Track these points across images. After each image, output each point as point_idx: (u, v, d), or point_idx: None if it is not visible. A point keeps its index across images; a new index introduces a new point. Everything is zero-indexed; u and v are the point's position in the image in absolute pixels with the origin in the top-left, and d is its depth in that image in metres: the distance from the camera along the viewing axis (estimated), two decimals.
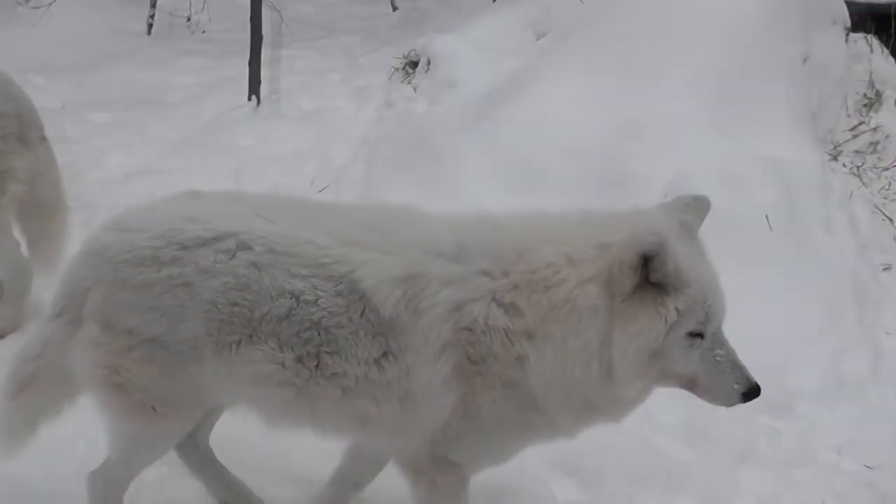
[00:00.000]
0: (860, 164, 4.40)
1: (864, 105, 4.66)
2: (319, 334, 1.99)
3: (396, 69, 5.25)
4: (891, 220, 4.09)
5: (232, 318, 2.01)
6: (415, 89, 5.00)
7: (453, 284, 1.95)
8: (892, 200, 4.24)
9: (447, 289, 1.95)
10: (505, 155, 3.82)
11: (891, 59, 4.81)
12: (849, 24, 4.72)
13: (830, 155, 4.35)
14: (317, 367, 2.01)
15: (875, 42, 4.83)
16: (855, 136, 4.52)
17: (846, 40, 4.67)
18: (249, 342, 2.02)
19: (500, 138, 3.92)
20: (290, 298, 1.99)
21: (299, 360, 2.01)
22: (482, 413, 2.01)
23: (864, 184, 4.28)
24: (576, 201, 3.24)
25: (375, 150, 4.59)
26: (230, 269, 2.01)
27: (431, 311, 1.95)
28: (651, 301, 1.87)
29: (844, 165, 4.37)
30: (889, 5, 4.97)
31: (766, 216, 3.47)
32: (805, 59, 4.31)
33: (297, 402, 2.06)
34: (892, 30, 4.84)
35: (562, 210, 2.08)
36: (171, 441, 2.28)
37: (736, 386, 1.95)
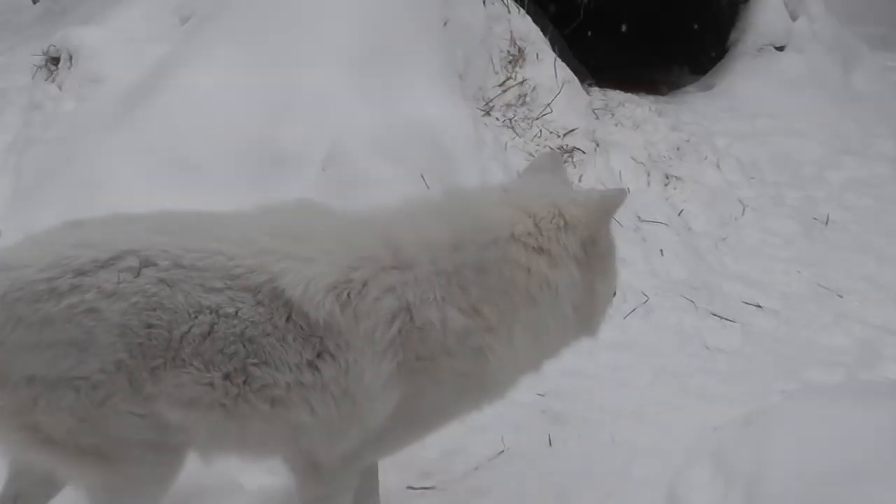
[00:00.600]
0: (511, 116, 4.81)
1: (509, 62, 5.06)
2: (245, 346, 1.90)
3: (39, 67, 4.98)
4: None
5: (150, 340, 1.87)
6: (60, 87, 4.78)
7: (396, 290, 1.95)
8: (544, 147, 4.65)
9: (390, 295, 1.95)
10: (157, 150, 3.80)
11: (527, 17, 5.27)
12: None
13: (483, 111, 4.72)
14: (245, 381, 1.92)
15: (511, 2, 5.26)
16: (504, 91, 4.92)
17: (484, 3, 5.02)
18: (173, 365, 1.89)
19: (150, 132, 3.88)
20: (210, 314, 1.89)
21: (227, 377, 1.91)
22: (422, 407, 2.02)
23: (517, 134, 4.70)
24: (235, 188, 3.31)
25: (24, 158, 4.36)
26: (138, 289, 1.87)
27: (374, 316, 1.94)
28: (610, 244, 2.13)
29: (497, 119, 4.75)
30: None
31: (422, 176, 3.70)
32: (446, 23, 4.60)
33: (227, 425, 1.96)
34: None
35: (453, 196, 2.20)
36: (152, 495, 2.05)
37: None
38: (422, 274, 1.97)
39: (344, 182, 3.63)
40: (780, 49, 6.32)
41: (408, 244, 2.00)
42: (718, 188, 4.93)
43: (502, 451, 2.86)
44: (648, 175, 4.74)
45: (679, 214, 4.56)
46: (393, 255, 1.98)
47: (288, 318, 1.92)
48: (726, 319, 3.85)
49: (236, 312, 1.90)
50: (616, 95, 5.78)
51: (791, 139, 5.69)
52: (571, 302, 2.06)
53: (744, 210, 4.77)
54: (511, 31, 5.14)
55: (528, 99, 4.92)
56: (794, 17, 6.45)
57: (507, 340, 2.02)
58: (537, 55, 5.11)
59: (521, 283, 2.01)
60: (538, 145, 4.63)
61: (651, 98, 6.15)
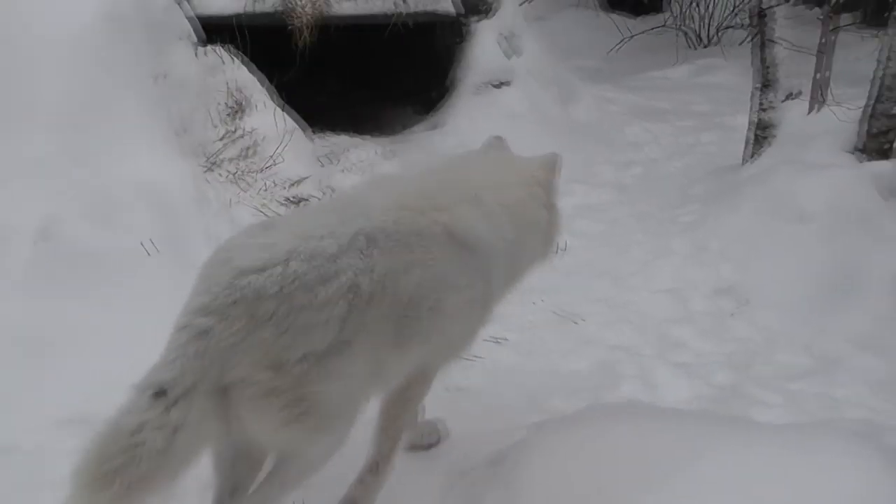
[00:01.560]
0: (236, 170, 4.89)
1: (230, 114, 5.15)
2: (435, 282, 2.56)
3: None
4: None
5: (384, 299, 2.38)
6: None
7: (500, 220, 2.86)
8: (272, 199, 4.78)
9: (492, 223, 2.81)
10: None
11: (245, 67, 5.39)
12: (196, 38, 5.17)
13: (205, 167, 4.77)
14: (430, 308, 2.56)
15: (228, 53, 5.37)
16: (227, 145, 5.00)
17: (197, 54, 5.10)
18: (396, 315, 2.44)
19: None
20: (417, 267, 2.49)
21: (429, 309, 2.55)
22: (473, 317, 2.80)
23: (243, 189, 4.78)
24: None
25: None
26: (374, 261, 2.38)
27: (498, 241, 2.80)
28: (557, 193, 3.17)
29: (221, 175, 4.82)
30: (232, 17, 5.58)
31: (142, 243, 3.72)
32: (158, 78, 4.65)
33: (401, 360, 2.58)
34: (239, 40, 5.44)
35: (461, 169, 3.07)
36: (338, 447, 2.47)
37: None
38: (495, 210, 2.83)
39: (60, 256, 3.60)
40: (500, 86, 6.83)
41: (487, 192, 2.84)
42: None
43: None
44: None
45: None
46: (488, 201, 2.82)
47: (460, 252, 2.63)
48: (467, 359, 4.07)
49: (430, 258, 2.54)
50: (342, 140, 6.02)
51: None
52: (543, 231, 3.05)
53: None
54: (229, 83, 5.24)
55: (252, 151, 5.02)
56: (509, 56, 7.01)
57: (524, 249, 2.97)
58: (258, 105, 5.24)
59: (530, 216, 2.98)
60: (265, 199, 4.75)
61: (380, 141, 6.46)
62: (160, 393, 2.10)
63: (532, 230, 2.99)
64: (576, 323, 4.54)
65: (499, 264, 2.81)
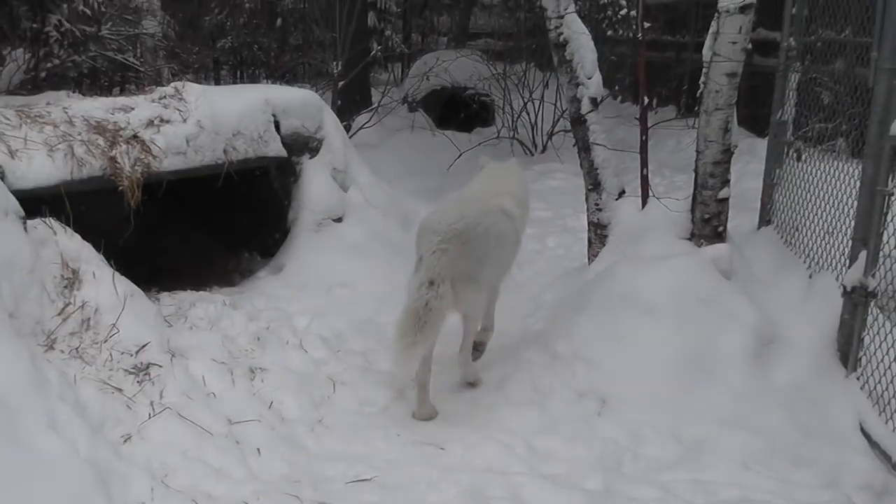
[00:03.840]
0: (78, 345, 4.83)
1: (66, 286, 5.10)
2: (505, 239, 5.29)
3: None
4: (120, 389, 4.58)
5: (490, 240, 5.01)
6: None
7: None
8: (118, 370, 4.73)
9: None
10: None
11: (76, 236, 5.38)
12: (22, 212, 5.15)
13: (44, 346, 4.70)
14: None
15: (56, 223, 5.36)
16: (65, 320, 4.94)
17: (25, 229, 5.07)
18: (492, 249, 5.05)
19: None
20: (496, 226, 5.15)
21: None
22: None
23: (86, 363, 4.71)
24: None
25: None
26: (486, 222, 5.06)
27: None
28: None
29: (63, 352, 4.75)
30: (59, 185, 5.61)
31: None
32: None
33: (489, 270, 5.14)
34: (69, 208, 5.46)
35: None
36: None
37: None
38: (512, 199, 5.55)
39: None
40: (339, 220, 7.02)
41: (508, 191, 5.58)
42: (306, 370, 5.31)
43: None
44: (232, 373, 4.99)
45: (270, 407, 4.85)
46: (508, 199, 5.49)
47: (507, 219, 5.27)
48: None
49: (497, 221, 5.16)
50: (188, 297, 6.04)
51: (369, 303, 6.31)
52: (527, 209, 5.74)
53: (335, 387, 5.19)
54: (62, 254, 5.21)
55: (92, 322, 4.98)
56: (346, 188, 7.23)
57: (523, 218, 5.61)
58: (94, 274, 5.21)
59: (524, 201, 5.72)
60: (111, 369, 4.71)
61: (225, 291, 6.52)
62: (433, 282, 4.63)
63: (525, 208, 5.64)
64: (442, 448, 4.64)
65: (518, 225, 5.48)
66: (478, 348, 5.38)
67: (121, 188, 5.97)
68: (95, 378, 4.62)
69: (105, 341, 4.91)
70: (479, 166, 5.88)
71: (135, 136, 6.20)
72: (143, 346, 4.90)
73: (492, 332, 5.44)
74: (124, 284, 5.26)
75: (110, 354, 4.84)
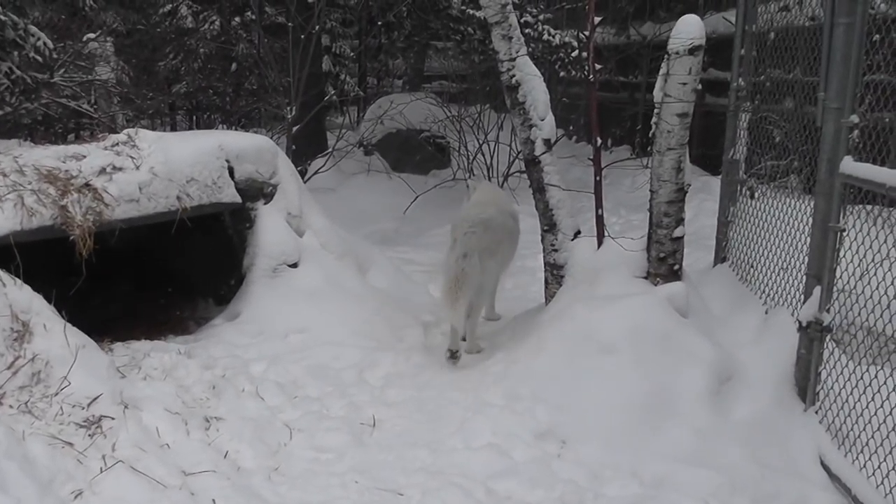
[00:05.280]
0: (28, 399, 4.73)
1: (15, 339, 5.01)
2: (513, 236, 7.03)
3: None
4: (71, 443, 4.48)
5: (502, 234, 6.66)
6: None
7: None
8: (69, 424, 4.64)
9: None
10: None
11: (26, 287, 5.30)
12: None
13: None
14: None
15: (5, 275, 5.28)
16: (15, 374, 4.84)
17: None
18: (502, 243, 6.67)
19: None
20: (506, 224, 6.82)
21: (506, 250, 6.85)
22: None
23: (36, 418, 4.62)
24: None
25: None
26: (501, 221, 6.76)
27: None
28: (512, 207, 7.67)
29: (12, 407, 4.65)
30: (8, 235, 5.54)
31: None
32: None
33: (495, 262, 6.61)
34: (18, 259, 5.38)
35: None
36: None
37: None
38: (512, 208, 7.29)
39: None
40: (295, 265, 6.98)
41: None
42: (262, 418, 5.24)
43: None
44: (187, 423, 4.91)
45: (225, 457, 4.78)
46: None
47: (513, 221, 7.00)
48: None
49: (507, 221, 6.90)
50: (142, 346, 5.94)
51: (325, 349, 6.24)
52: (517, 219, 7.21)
53: (291, 434, 5.13)
54: (11, 306, 5.12)
55: (42, 376, 4.88)
56: (300, 234, 7.19)
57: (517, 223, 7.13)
58: (45, 325, 5.14)
59: (516, 211, 7.29)
60: (62, 423, 4.61)
61: (180, 339, 6.43)
62: (466, 255, 6.18)
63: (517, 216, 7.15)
64: (401, 494, 4.60)
65: (518, 227, 7.02)
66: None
67: (72, 237, 5.88)
68: (45, 433, 4.52)
69: (56, 394, 4.82)
70: (472, 187, 7.56)
71: (87, 185, 6.12)
72: (95, 398, 4.81)
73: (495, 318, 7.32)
74: (76, 336, 5.18)
75: (61, 408, 4.75)
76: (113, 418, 4.73)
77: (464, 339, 6.37)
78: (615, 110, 15.10)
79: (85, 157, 6.34)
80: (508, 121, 11.23)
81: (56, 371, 4.95)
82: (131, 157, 6.49)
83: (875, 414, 4.39)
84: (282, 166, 7.32)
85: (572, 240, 6.53)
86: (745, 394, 5.19)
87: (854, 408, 4.59)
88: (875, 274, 4.47)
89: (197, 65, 16.52)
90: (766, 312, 5.71)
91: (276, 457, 4.91)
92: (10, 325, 5.05)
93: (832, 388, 4.85)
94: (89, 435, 4.60)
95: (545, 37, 12.98)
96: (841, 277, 4.82)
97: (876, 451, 4.33)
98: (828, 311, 4.84)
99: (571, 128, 16.38)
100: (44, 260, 5.82)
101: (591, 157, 6.48)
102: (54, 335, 5.10)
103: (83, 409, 4.76)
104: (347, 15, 18.15)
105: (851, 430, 4.59)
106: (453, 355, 6.19)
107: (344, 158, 13.47)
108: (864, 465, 4.43)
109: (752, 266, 6.18)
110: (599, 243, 6.37)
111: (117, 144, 6.62)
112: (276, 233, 7.01)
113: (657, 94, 5.68)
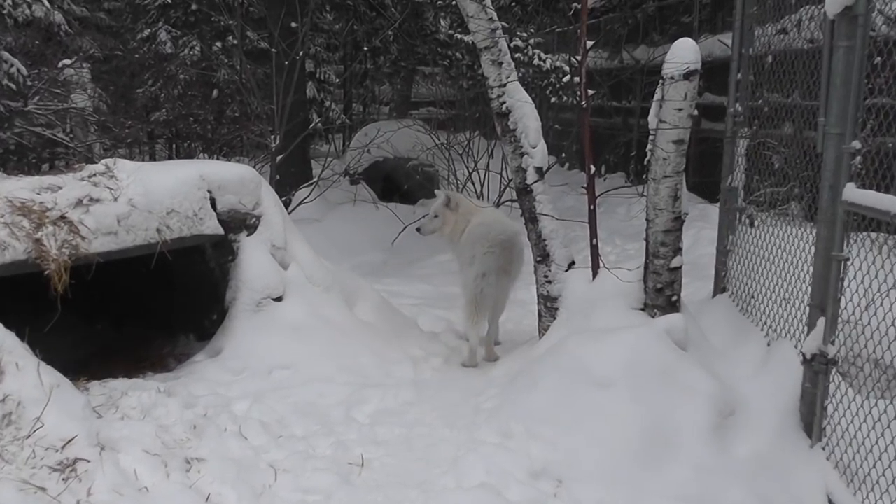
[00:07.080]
0: None
1: None
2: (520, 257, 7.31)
3: None
4: (43, 488, 4.40)
5: (515, 252, 7.15)
6: None
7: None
8: (41, 468, 4.56)
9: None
10: None
11: None
12: None
13: None
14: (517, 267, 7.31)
15: None
16: None
17: None
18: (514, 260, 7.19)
19: None
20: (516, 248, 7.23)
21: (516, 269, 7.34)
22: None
23: (7, 462, 4.53)
24: None
25: None
26: (515, 240, 7.14)
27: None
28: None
29: None
30: None
31: None
32: None
33: (502, 289, 7.18)
34: None
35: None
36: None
37: None
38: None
39: None
40: (279, 299, 6.93)
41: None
42: (246, 458, 5.16)
43: None
44: (166, 466, 4.83)
45: (207, 500, 4.69)
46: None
47: (521, 238, 7.17)
48: None
49: (516, 239, 7.18)
50: (119, 384, 5.87)
51: (312, 386, 6.19)
52: None
53: (276, 475, 5.05)
54: None
55: (14, 417, 4.79)
56: (285, 266, 7.15)
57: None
58: (17, 364, 5.06)
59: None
60: (34, 467, 4.53)
61: (159, 377, 6.36)
62: (485, 274, 6.87)
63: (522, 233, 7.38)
64: None
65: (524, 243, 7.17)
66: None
67: (47, 272, 5.82)
68: (16, 478, 4.42)
69: (28, 437, 4.72)
70: (440, 196, 7.74)
71: (62, 217, 6.07)
72: (70, 440, 4.73)
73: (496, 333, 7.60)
74: (50, 375, 5.10)
75: (33, 451, 4.65)
76: (88, 461, 4.65)
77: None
78: (609, 136, 15.14)
79: (60, 188, 6.29)
80: (499, 147, 11.24)
81: (29, 412, 4.86)
82: (109, 188, 6.45)
83: (885, 450, 4.35)
84: (265, 196, 7.29)
85: (566, 271, 6.51)
86: (748, 429, 5.14)
87: (863, 444, 4.54)
88: (881, 304, 4.44)
89: (177, 91, 16.55)
90: (769, 344, 5.67)
91: (261, 499, 4.83)
92: None
93: (839, 423, 4.80)
94: (63, 479, 4.51)
95: (536, 61, 13.06)
96: (846, 308, 4.80)
97: (888, 490, 4.28)
98: (832, 342, 4.81)
99: (564, 155, 16.41)
100: (17, 295, 5.76)
101: (585, 185, 6.47)
102: (27, 374, 5.01)
103: (57, 451, 4.67)
104: (332, 40, 18.27)
105: (861, 467, 4.54)
106: (471, 363, 7.03)
107: (329, 188, 13.45)
108: None
109: (752, 296, 6.15)
110: (594, 274, 6.35)
111: (94, 175, 6.58)
112: (259, 265, 6.96)
113: (652, 120, 5.68)
